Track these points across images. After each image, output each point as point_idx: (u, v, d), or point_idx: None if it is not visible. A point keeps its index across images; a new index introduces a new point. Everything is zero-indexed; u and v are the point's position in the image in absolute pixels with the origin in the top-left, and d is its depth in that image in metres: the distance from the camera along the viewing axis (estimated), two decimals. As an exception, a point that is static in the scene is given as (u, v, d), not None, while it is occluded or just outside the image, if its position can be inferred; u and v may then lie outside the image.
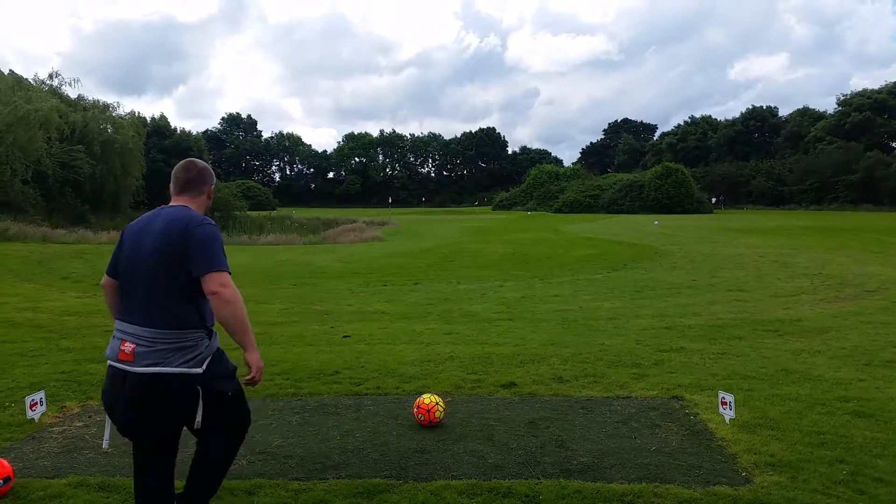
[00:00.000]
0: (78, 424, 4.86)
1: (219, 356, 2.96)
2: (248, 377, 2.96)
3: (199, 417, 2.82)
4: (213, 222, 2.91)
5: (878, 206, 59.33)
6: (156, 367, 2.71)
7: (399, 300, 11.66)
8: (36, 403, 4.79)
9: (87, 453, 4.27)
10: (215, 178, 3.20)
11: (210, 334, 2.93)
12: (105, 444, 3.08)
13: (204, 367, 2.81)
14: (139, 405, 2.76)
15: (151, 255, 2.82)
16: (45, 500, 3.56)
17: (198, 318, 2.85)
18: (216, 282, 2.74)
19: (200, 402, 2.80)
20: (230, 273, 2.84)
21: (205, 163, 3.14)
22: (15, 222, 28.59)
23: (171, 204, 3.01)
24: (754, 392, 5.45)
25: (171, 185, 3.06)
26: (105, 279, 3.06)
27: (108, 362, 2.86)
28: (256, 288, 13.24)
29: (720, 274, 14.51)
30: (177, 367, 2.74)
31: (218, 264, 2.78)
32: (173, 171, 3.10)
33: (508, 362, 6.63)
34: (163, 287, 2.79)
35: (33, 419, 4.80)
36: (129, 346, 2.75)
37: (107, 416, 2.97)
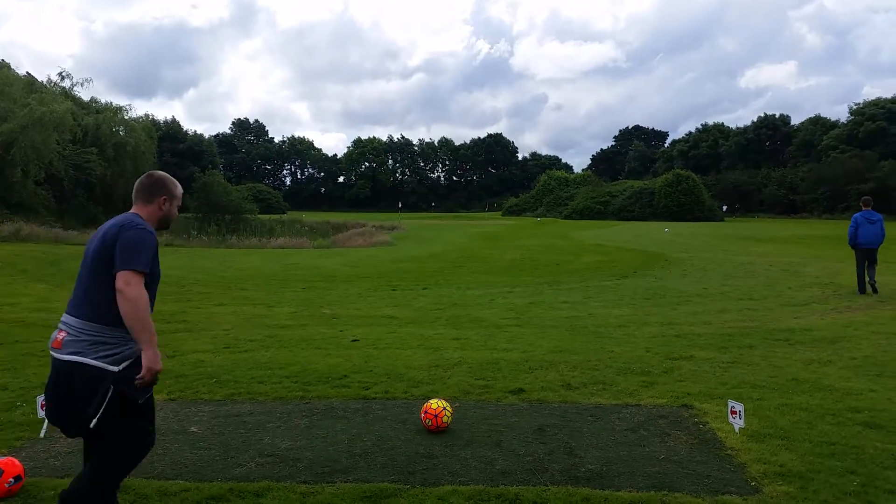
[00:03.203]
0: (88, 425, 4.89)
1: (138, 364, 2.91)
2: (137, 377, 2.88)
3: (98, 414, 2.81)
4: (148, 228, 3.02)
5: (892, 216, 58.80)
6: (76, 356, 2.83)
7: (408, 305, 11.66)
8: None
9: (97, 453, 4.29)
10: (175, 194, 3.26)
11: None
12: (42, 433, 3.30)
13: (120, 367, 2.86)
14: (59, 392, 2.88)
15: (91, 253, 2.99)
16: (56, 500, 3.57)
17: (120, 317, 2.86)
18: (123, 279, 2.82)
19: (106, 401, 2.81)
20: (145, 274, 2.90)
21: (164, 176, 3.26)
22: (27, 223, 28.85)
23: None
24: (764, 401, 5.41)
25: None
26: None
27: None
28: (266, 291, 13.29)
29: (730, 282, 14.44)
30: (93, 359, 2.83)
31: (131, 264, 2.84)
32: None
33: (517, 368, 6.62)
34: (93, 282, 2.93)
35: (44, 419, 4.83)
36: (61, 335, 2.91)
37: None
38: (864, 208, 12.75)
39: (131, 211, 3.14)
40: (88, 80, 50.28)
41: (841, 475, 3.87)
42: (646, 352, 7.41)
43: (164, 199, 3.20)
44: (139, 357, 2.88)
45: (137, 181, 3.24)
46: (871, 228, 12.40)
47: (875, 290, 12.18)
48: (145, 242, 2.93)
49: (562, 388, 5.90)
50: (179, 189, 3.31)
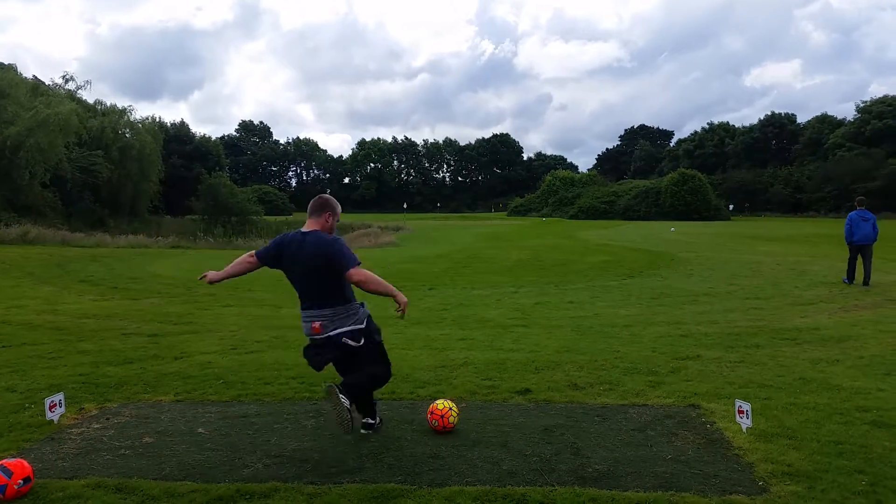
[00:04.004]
0: (96, 426, 4.91)
1: (370, 318, 4.49)
2: (398, 311, 4.35)
3: (363, 347, 4.37)
4: (339, 238, 4.36)
5: (904, 215, 58.46)
6: (340, 328, 4.28)
7: (414, 305, 11.61)
8: (55, 405, 4.86)
9: (105, 455, 4.31)
10: (336, 211, 4.48)
11: (362, 304, 4.46)
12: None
13: (364, 323, 4.40)
14: (327, 351, 4.35)
15: (306, 262, 4.26)
16: (64, 501, 3.60)
17: (350, 294, 4.35)
18: (358, 274, 4.15)
19: (363, 341, 4.37)
20: (360, 262, 4.20)
21: (328, 198, 4.50)
22: (35, 226, 28.98)
23: (305, 226, 4.42)
24: (772, 401, 5.40)
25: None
26: (254, 258, 4.55)
27: (307, 338, 4.45)
28: (272, 292, 13.30)
29: (737, 281, 14.39)
30: (351, 325, 4.32)
31: (353, 262, 4.16)
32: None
33: (523, 369, 6.61)
34: (324, 283, 4.25)
35: (52, 420, 4.86)
36: (317, 324, 4.28)
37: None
38: (858, 207, 13.74)
39: (309, 227, 4.37)
40: (88, 82, 50.44)
41: (849, 475, 3.86)
42: (652, 352, 7.40)
43: (329, 214, 4.44)
44: (368, 317, 4.46)
45: (311, 202, 4.46)
46: (864, 226, 13.44)
47: (866, 283, 13.09)
48: (344, 245, 4.26)
49: (568, 388, 5.89)
50: (339, 207, 4.52)
